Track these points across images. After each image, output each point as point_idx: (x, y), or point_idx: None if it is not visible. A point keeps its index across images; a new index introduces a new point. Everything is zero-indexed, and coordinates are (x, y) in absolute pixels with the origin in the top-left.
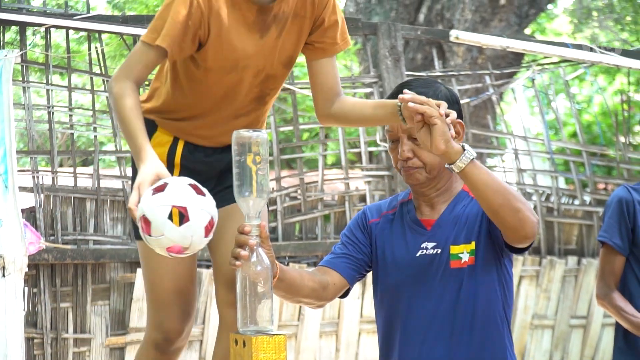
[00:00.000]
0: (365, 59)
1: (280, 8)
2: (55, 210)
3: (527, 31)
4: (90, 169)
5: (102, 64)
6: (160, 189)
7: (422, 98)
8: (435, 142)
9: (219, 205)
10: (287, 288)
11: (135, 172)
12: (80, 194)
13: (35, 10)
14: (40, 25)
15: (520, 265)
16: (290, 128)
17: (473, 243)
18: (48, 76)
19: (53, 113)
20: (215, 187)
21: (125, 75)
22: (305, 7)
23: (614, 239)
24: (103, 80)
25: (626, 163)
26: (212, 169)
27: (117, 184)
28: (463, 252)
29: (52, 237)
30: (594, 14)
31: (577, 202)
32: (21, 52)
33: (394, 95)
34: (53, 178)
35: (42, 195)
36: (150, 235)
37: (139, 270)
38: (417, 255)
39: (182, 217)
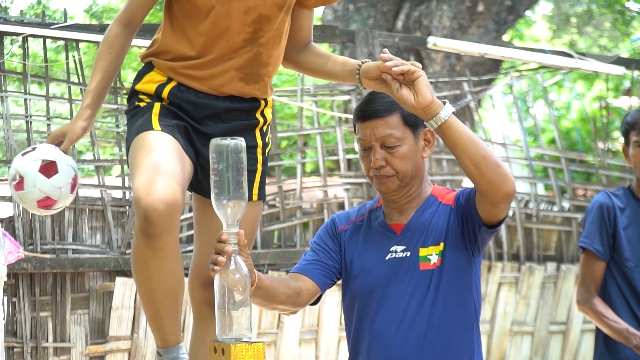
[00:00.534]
0: None
1: None
2: (34, 219)
3: (506, 38)
4: None
5: (79, 73)
6: (26, 152)
7: (400, 60)
8: (422, 93)
9: (204, 194)
10: (264, 295)
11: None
12: None
13: (12, 19)
14: (18, 34)
15: (499, 272)
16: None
17: (442, 244)
18: (26, 85)
19: (31, 122)
20: (201, 172)
21: (119, 17)
22: None
23: (594, 244)
24: (81, 89)
25: (605, 169)
26: (199, 110)
27: (95, 193)
28: (432, 254)
29: (31, 247)
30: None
31: (555, 208)
32: None
33: (364, 103)
34: None
35: (21, 205)
36: (23, 190)
37: (118, 279)
38: (387, 258)
39: (51, 170)
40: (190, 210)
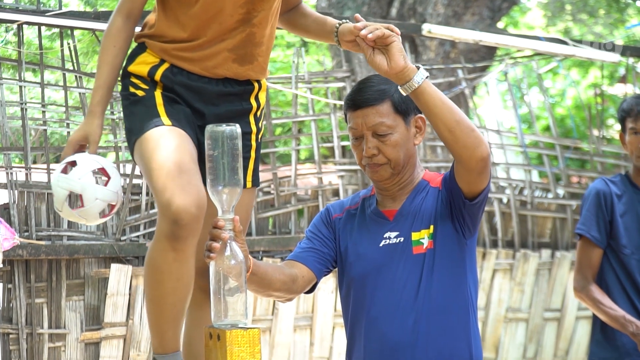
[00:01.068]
0: (337, 54)
1: None
2: (29, 206)
3: (500, 25)
4: None
5: (74, 61)
6: (67, 168)
7: (374, 25)
8: (395, 58)
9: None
10: (259, 282)
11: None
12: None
13: (7, 6)
14: (13, 21)
15: (493, 259)
16: (264, 123)
17: (432, 227)
18: (21, 73)
19: (26, 110)
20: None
21: (119, 9)
22: None
23: (591, 231)
24: (76, 76)
25: (600, 156)
26: (192, 94)
27: None
28: (424, 237)
29: (26, 233)
30: (567, 7)
31: (550, 195)
32: None
33: (354, 92)
34: (27, 174)
35: (16, 192)
36: (84, 207)
37: (113, 266)
38: (381, 245)
39: (77, 202)
40: None
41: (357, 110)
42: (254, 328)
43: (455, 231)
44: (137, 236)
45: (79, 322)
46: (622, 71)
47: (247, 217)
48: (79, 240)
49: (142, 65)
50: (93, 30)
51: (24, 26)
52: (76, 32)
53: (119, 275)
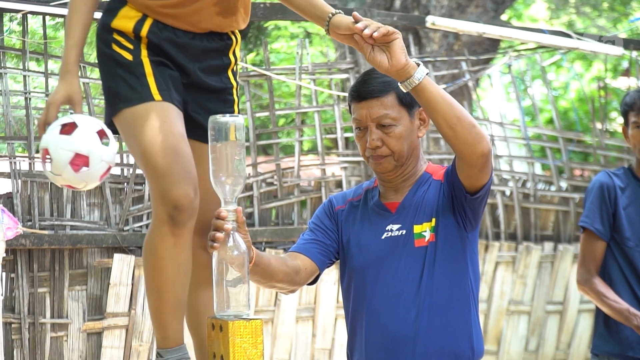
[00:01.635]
0: (341, 45)
1: None
2: (32, 195)
3: (504, 17)
4: None
5: None
6: (68, 130)
7: (376, 24)
8: (396, 55)
9: (193, 135)
10: (262, 273)
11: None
12: None
13: None
14: (17, 11)
15: (496, 251)
16: (267, 114)
17: (433, 220)
18: (25, 62)
19: (30, 99)
20: (192, 106)
21: None
22: None
23: (595, 224)
24: (79, 65)
25: (602, 149)
26: (177, 51)
27: None
28: (425, 230)
29: (29, 223)
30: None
31: (553, 188)
32: None
33: (359, 83)
34: (30, 164)
35: (20, 181)
36: (49, 169)
37: (116, 256)
38: (383, 237)
39: (82, 163)
40: None
41: (362, 101)
42: (256, 319)
43: (456, 224)
44: (140, 226)
45: (81, 312)
46: (625, 64)
47: None
48: (82, 230)
49: (125, 20)
50: (97, 21)
51: (28, 16)
52: None
53: (122, 265)
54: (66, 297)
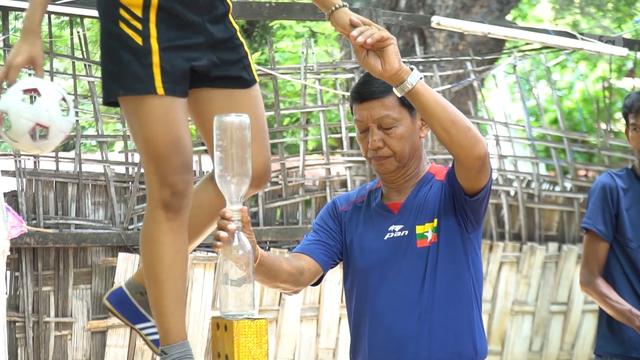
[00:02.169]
0: (346, 45)
1: None
2: (37, 194)
3: (509, 17)
4: (72, 154)
5: (83, 49)
6: (30, 97)
7: (371, 30)
8: (390, 60)
9: (220, 84)
10: (267, 272)
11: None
12: (62, 178)
13: None
14: (22, 9)
15: (500, 252)
16: (272, 113)
17: (435, 220)
18: None
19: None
20: (211, 56)
21: None
22: None
23: (597, 225)
24: (85, 64)
25: (607, 150)
26: (190, 8)
27: (98, 169)
28: (427, 231)
29: (34, 221)
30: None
31: (557, 188)
32: (3, 37)
33: (360, 85)
34: (35, 162)
35: (24, 180)
36: (5, 132)
37: (121, 255)
38: (385, 238)
39: (41, 133)
40: None
41: (363, 102)
42: (261, 319)
43: (458, 225)
44: None
45: (85, 310)
46: (630, 65)
47: (263, 114)
48: (87, 229)
49: None
50: None
51: None
52: (85, 21)
53: (126, 264)
54: (70, 296)
